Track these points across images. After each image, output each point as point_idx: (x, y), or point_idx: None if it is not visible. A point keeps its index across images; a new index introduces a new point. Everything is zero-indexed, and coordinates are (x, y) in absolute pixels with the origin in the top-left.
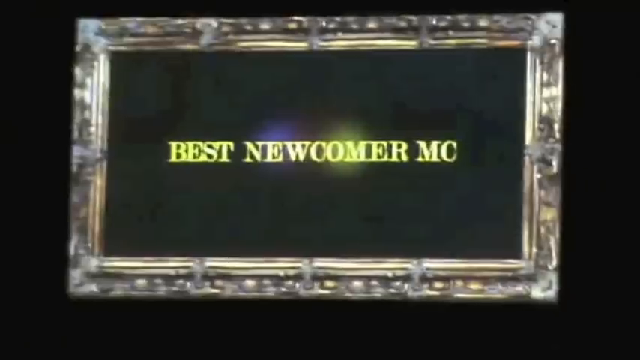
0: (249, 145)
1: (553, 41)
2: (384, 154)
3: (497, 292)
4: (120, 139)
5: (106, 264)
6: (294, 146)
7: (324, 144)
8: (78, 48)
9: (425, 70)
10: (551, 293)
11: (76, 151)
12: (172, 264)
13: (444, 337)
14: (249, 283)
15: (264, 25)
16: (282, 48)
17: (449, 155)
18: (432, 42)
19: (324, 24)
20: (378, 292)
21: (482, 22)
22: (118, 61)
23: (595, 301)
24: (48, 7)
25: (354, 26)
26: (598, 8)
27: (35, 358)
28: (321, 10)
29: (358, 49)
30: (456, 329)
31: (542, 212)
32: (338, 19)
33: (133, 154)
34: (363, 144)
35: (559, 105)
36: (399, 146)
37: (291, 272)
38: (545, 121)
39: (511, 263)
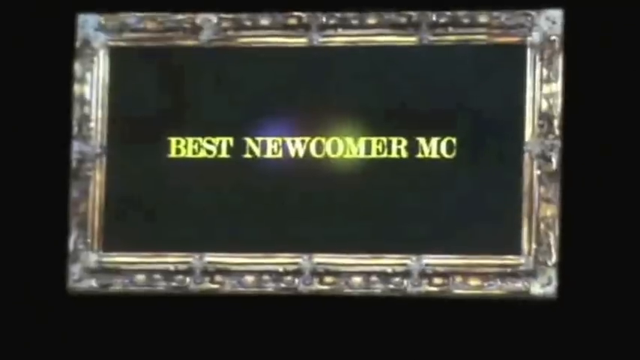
0: (249, 141)
1: (553, 37)
2: (383, 150)
3: (497, 288)
4: (119, 134)
5: (106, 259)
6: (293, 142)
7: (323, 140)
8: (77, 43)
9: (424, 66)
10: (551, 289)
11: (76, 147)
12: (172, 259)
13: (444, 333)
14: (249, 278)
15: (264, 20)
16: (282, 44)
17: (448, 151)
18: (432, 38)
19: (324, 20)
20: (378, 288)
21: (482, 18)
22: (117, 56)
23: (594, 297)
24: (48, 3)
25: (354, 22)
26: (598, 4)
27: (35, 353)
28: (321, 6)
29: (358, 45)
30: (455, 325)
31: (542, 208)
32: (338, 15)
33: (132, 149)
34: (362, 140)
35: (559, 101)
36: (399, 142)
37: (291, 268)
38: (545, 117)
39: (510, 259)
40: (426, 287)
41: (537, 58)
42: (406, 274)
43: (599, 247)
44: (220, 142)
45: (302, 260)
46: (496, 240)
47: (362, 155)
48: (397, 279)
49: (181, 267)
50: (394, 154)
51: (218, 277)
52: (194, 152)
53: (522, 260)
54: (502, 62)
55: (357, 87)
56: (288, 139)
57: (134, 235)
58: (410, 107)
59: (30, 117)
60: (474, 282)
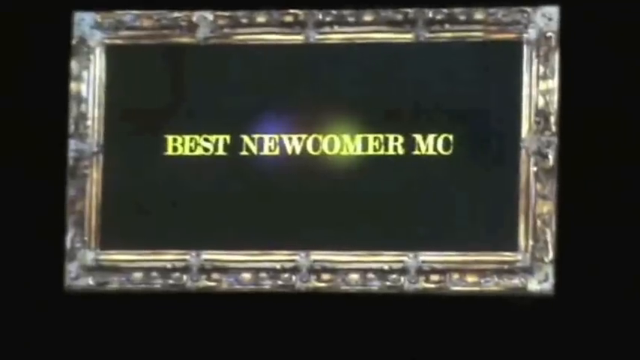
0: (246, 138)
1: (549, 34)
2: (380, 147)
3: (494, 284)
4: (116, 132)
5: (103, 257)
6: (290, 139)
7: (320, 137)
8: (74, 41)
9: (421, 63)
10: (548, 286)
11: (73, 145)
12: (169, 257)
13: (441, 330)
14: (246, 276)
15: (261, 18)
16: (279, 41)
17: (445, 148)
18: (428, 35)
19: (320, 17)
20: (375, 285)
21: (479, 15)
22: (114, 54)
23: (591, 293)
24: (44, 1)
25: (351, 19)
26: (594, 1)
27: (32, 351)
28: (318, 3)
29: (355, 42)
30: (452, 322)
31: (539, 205)
32: (334, 12)
33: (129, 147)
34: (359, 137)
35: (555, 98)
36: (396, 139)
37: (288, 265)
38: (542, 114)
39: (507, 256)
40: (423, 284)
41: (534, 54)
42: (403, 271)
43: (595, 243)
44: (217, 139)
45: (299, 257)
46: (493, 237)
47: (359, 152)
48: (394, 276)
49: (178, 265)
50: (391, 151)
51: (215, 275)
52: (191, 150)
53: (519, 257)
54: (498, 59)
55: (353, 84)
56: (285, 137)
57: (131, 233)
58: (406, 104)
59: (27, 115)
60: (471, 279)
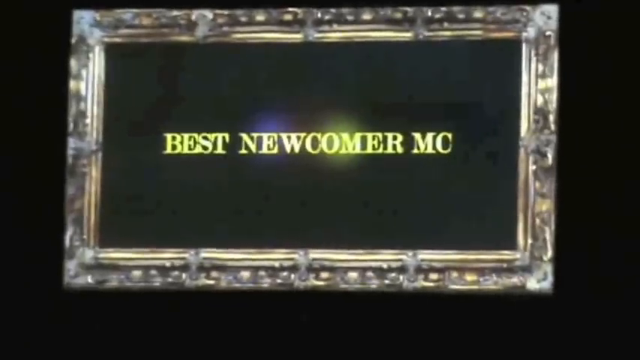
0: (245, 137)
1: (548, 33)
2: (379, 145)
3: (493, 283)
4: (115, 130)
5: (102, 255)
6: (289, 138)
7: (319, 135)
8: (73, 40)
9: (420, 61)
10: (547, 284)
11: (72, 143)
12: (168, 255)
13: (440, 328)
14: (245, 274)
15: (260, 16)
16: (278, 39)
17: (444, 147)
18: (427, 33)
19: (319, 15)
20: (374, 283)
21: (478, 13)
22: (113, 52)
23: (590, 292)
24: None
25: (350, 18)
26: None
27: (31, 349)
28: (317, 1)
29: (354, 40)
30: (451, 320)
31: (538, 204)
32: (333, 10)
33: (128, 145)
34: (358, 135)
35: (554, 96)
36: (395, 138)
37: (287, 263)
38: (541, 112)
39: (506, 254)
40: (421, 282)
41: (533, 53)
42: (402, 269)
43: (594, 242)
44: (216, 137)
45: (298, 256)
46: (492, 235)
47: (358, 151)
48: (393, 274)
49: (177, 263)
50: (390, 150)
51: (214, 273)
52: (190, 148)
53: (518, 255)
54: (497, 57)
55: (352, 83)
56: (284, 135)
57: (130, 231)
58: (405, 103)
59: (26, 113)
60: (469, 277)
